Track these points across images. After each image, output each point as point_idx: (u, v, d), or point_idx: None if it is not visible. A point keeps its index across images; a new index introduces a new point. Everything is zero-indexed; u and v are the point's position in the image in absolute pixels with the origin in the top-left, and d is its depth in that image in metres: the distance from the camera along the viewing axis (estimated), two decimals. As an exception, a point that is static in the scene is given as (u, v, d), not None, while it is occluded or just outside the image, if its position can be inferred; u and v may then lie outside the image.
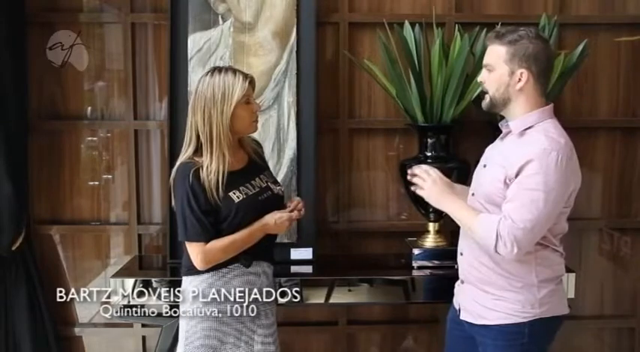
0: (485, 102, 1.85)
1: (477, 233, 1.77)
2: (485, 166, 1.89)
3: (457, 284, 2.02)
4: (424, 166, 1.92)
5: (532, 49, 1.76)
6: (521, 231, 1.70)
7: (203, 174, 1.85)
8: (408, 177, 1.94)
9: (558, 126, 1.81)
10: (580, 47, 2.52)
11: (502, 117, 1.92)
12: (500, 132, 1.92)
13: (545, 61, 1.79)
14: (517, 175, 1.73)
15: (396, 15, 2.71)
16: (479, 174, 1.91)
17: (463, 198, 1.91)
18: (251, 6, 2.63)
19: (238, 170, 1.94)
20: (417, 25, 2.55)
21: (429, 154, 2.55)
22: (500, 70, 1.79)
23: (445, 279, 2.30)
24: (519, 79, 1.77)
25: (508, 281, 1.82)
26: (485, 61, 1.84)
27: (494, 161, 1.84)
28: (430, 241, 2.59)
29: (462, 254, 1.95)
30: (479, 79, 1.87)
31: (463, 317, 1.94)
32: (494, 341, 1.85)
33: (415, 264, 2.55)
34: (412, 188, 1.93)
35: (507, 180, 1.75)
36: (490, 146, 1.98)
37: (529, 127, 1.79)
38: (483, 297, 1.87)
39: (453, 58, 2.46)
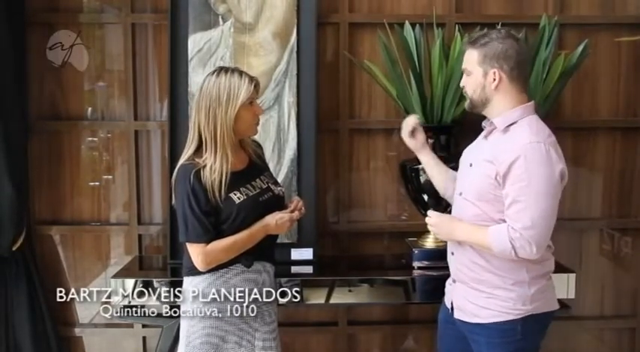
0: (467, 104, 1.92)
1: (494, 248, 1.79)
2: (471, 165, 1.91)
3: (448, 283, 2.04)
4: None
5: (501, 49, 1.81)
6: (534, 229, 1.73)
7: (206, 174, 1.85)
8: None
9: (540, 121, 1.86)
10: (580, 47, 2.52)
11: (484, 117, 1.95)
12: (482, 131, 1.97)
13: (516, 58, 1.83)
14: (508, 173, 1.75)
15: (397, 15, 2.71)
16: (466, 173, 1.93)
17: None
18: (251, 6, 2.63)
19: (239, 171, 1.94)
20: (418, 25, 2.55)
21: (429, 154, 2.55)
22: (475, 72, 1.85)
23: (445, 279, 2.29)
24: (493, 79, 1.82)
25: (501, 279, 1.84)
26: (463, 66, 1.90)
27: (482, 158, 1.85)
28: (430, 241, 2.59)
29: (452, 254, 1.97)
30: (461, 83, 1.93)
31: (457, 315, 1.95)
32: (488, 338, 1.86)
33: (415, 265, 2.55)
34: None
35: (498, 177, 1.78)
36: (471, 146, 2.01)
37: (513, 123, 1.83)
38: (476, 296, 1.88)
39: (454, 58, 2.46)
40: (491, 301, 1.85)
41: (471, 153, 1.97)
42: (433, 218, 1.92)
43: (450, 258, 1.99)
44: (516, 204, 1.74)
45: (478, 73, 1.84)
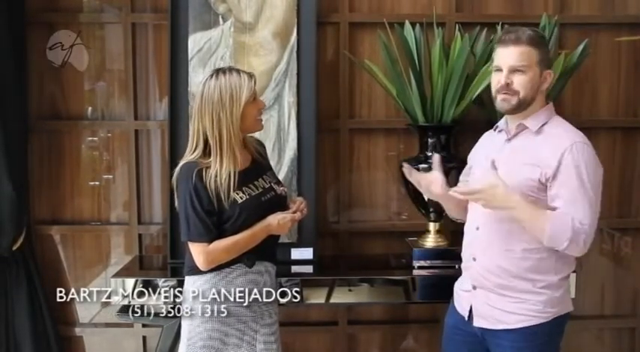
0: (512, 104, 1.80)
1: (550, 231, 1.71)
2: (496, 168, 1.83)
3: (461, 289, 1.98)
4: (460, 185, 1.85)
5: (550, 51, 1.85)
6: (590, 228, 1.73)
7: (211, 176, 1.85)
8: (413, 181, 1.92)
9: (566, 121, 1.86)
10: (580, 47, 2.53)
11: (501, 116, 1.93)
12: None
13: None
14: (557, 173, 1.74)
15: (397, 15, 2.71)
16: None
17: None
18: (251, 6, 2.63)
19: (242, 170, 1.92)
20: (418, 25, 2.55)
21: (429, 154, 2.55)
22: (533, 71, 1.79)
23: (445, 279, 2.30)
24: (545, 80, 1.81)
25: (531, 283, 1.81)
26: (514, 62, 1.78)
27: (516, 161, 1.81)
28: (430, 241, 2.59)
29: (474, 259, 1.90)
30: (504, 80, 1.79)
31: (477, 324, 1.90)
32: (515, 343, 1.83)
33: (416, 264, 2.55)
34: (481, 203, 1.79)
35: (542, 179, 1.75)
36: (486, 149, 1.96)
37: (544, 124, 1.82)
38: (502, 301, 1.84)
39: (454, 58, 2.46)
40: (520, 305, 1.82)
41: (492, 156, 1.87)
42: (486, 188, 1.73)
43: (469, 264, 1.93)
44: (574, 203, 1.72)
45: (536, 73, 1.79)
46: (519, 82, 1.79)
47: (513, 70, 1.79)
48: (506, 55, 1.80)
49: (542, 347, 1.84)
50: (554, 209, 1.75)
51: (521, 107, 1.82)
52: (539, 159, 1.76)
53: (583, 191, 1.72)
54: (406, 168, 1.97)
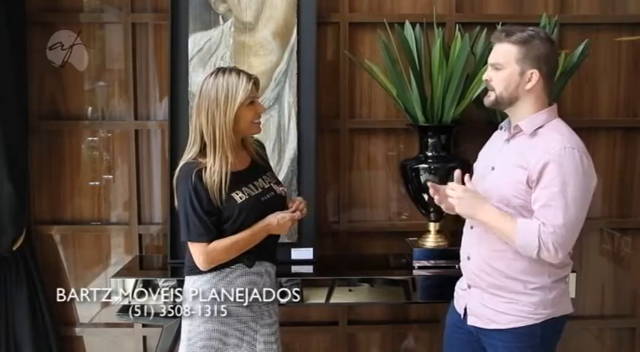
0: (490, 100, 1.84)
1: (518, 240, 1.74)
2: (493, 169, 1.87)
3: (460, 288, 2.00)
4: (448, 186, 1.85)
5: (543, 50, 1.78)
6: (563, 235, 1.71)
7: (206, 175, 1.85)
8: (436, 200, 1.92)
9: (567, 125, 1.83)
10: (581, 47, 2.53)
11: (503, 117, 1.93)
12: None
13: (554, 63, 1.83)
14: (540, 178, 1.73)
15: (397, 15, 2.71)
16: (487, 177, 1.88)
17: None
18: (251, 6, 2.63)
19: (241, 171, 1.93)
20: (418, 25, 2.55)
21: (429, 154, 2.55)
22: (510, 69, 1.79)
23: (446, 279, 2.30)
24: (529, 79, 1.79)
25: (522, 284, 1.81)
26: (493, 59, 1.83)
27: (509, 162, 1.82)
28: (431, 241, 2.59)
29: (469, 258, 1.92)
30: (484, 76, 1.86)
31: (471, 322, 1.91)
32: (507, 343, 1.83)
33: (416, 264, 2.55)
34: (444, 209, 1.93)
35: (529, 182, 1.75)
36: (490, 148, 1.98)
37: (540, 127, 1.80)
38: (494, 301, 1.85)
39: (454, 58, 2.46)
40: (511, 306, 1.82)
41: (491, 157, 1.91)
42: (458, 191, 1.79)
43: (464, 263, 1.94)
44: (548, 208, 1.71)
45: (514, 70, 1.78)
46: (495, 78, 1.81)
47: (494, 68, 1.82)
48: (491, 53, 1.84)
49: (534, 349, 1.83)
50: (533, 212, 1.75)
51: (501, 104, 1.83)
52: (527, 161, 1.76)
53: (561, 196, 1.70)
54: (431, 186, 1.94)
